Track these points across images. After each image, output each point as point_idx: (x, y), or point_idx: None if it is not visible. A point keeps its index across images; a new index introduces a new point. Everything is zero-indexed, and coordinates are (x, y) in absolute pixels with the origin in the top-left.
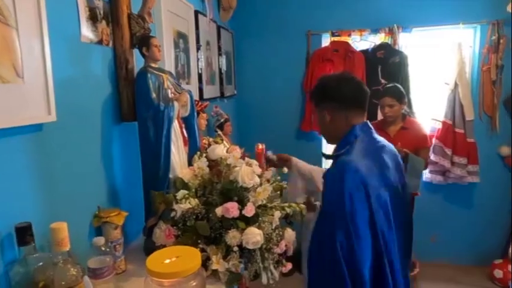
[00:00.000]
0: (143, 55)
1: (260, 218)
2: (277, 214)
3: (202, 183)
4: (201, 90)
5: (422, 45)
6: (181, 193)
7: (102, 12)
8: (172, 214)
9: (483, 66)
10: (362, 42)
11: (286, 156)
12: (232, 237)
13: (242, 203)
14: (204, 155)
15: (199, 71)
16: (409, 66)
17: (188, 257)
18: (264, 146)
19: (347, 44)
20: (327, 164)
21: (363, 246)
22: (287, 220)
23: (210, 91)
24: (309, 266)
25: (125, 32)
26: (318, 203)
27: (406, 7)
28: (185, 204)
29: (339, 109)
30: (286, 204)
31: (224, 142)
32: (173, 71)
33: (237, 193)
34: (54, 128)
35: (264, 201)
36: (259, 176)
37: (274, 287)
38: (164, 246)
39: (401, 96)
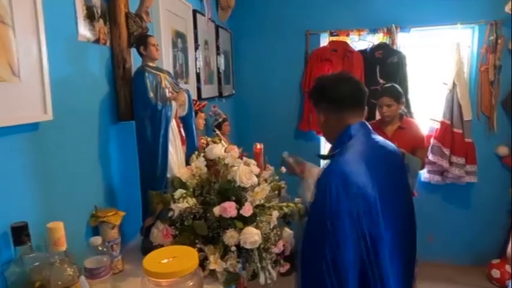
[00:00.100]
0: (141, 54)
1: (258, 218)
2: (275, 214)
3: (200, 182)
4: (199, 89)
5: (421, 45)
6: (179, 192)
7: (99, 11)
8: (170, 214)
9: (481, 66)
10: (360, 42)
11: (302, 160)
12: (230, 237)
13: (240, 203)
14: (202, 154)
15: (198, 71)
16: (408, 66)
17: (185, 257)
18: (262, 146)
19: (345, 43)
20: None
21: (347, 247)
22: (285, 220)
23: (208, 91)
24: (300, 265)
25: (122, 31)
26: None
27: (405, 7)
28: (183, 203)
29: (333, 109)
30: (284, 204)
31: (222, 142)
32: (171, 71)
33: (234, 193)
34: (50, 127)
35: (262, 201)
36: (257, 176)
37: (272, 287)
38: (162, 246)
39: (399, 96)
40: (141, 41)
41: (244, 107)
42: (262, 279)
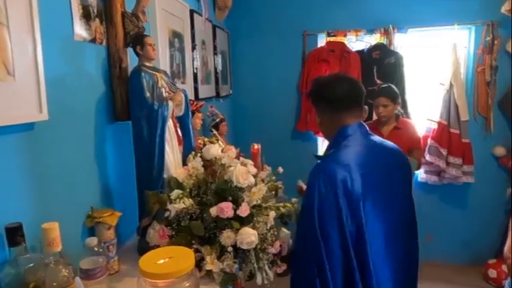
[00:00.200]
0: (137, 54)
1: (255, 218)
2: (272, 214)
3: (197, 183)
4: (196, 89)
5: (418, 45)
6: (176, 193)
7: (95, 10)
8: (167, 214)
9: (478, 67)
10: (358, 42)
11: None
12: (226, 237)
13: (237, 203)
14: (199, 154)
15: (195, 71)
16: (405, 66)
17: (181, 258)
18: (259, 146)
19: (343, 44)
20: None
21: (334, 246)
22: (282, 220)
23: (206, 91)
24: (291, 263)
25: (118, 31)
26: None
27: (402, 8)
28: (179, 204)
29: (330, 110)
30: (281, 204)
31: (219, 142)
32: (168, 70)
33: (231, 193)
34: (46, 127)
35: (259, 201)
36: (254, 176)
37: (269, 287)
38: (158, 246)
39: (396, 97)
40: (138, 40)
41: (242, 107)
42: (259, 279)
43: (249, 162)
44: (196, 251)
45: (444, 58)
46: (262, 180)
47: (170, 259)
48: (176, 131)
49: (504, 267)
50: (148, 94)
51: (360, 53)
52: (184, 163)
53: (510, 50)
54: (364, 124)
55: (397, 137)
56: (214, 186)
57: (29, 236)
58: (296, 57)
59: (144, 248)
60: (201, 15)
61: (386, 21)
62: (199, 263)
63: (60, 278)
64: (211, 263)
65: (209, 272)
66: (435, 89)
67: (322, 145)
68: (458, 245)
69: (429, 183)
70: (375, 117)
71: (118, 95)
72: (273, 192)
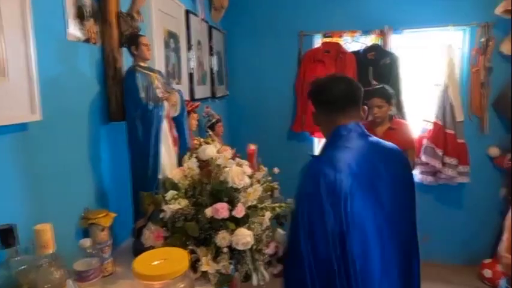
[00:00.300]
0: (132, 54)
1: (250, 219)
2: (268, 215)
3: (192, 183)
4: (192, 90)
5: (413, 46)
6: (171, 194)
7: (89, 10)
8: (162, 215)
9: (472, 67)
10: (353, 43)
11: None
12: (222, 238)
13: (232, 204)
14: (195, 155)
15: (191, 71)
16: (400, 67)
17: (176, 259)
18: (255, 147)
19: (338, 45)
20: None
21: (316, 247)
22: (278, 221)
23: (201, 91)
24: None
25: (113, 31)
26: None
27: (397, 9)
28: (174, 205)
29: (325, 111)
30: (277, 205)
31: (215, 143)
32: (163, 71)
33: (227, 194)
34: (39, 128)
35: (255, 202)
36: (250, 177)
37: None
38: (153, 247)
39: (390, 97)
40: (133, 40)
41: (238, 107)
42: (254, 280)
43: (245, 162)
44: (192, 252)
45: (439, 59)
46: (258, 181)
47: (164, 260)
48: (171, 132)
49: (499, 267)
50: (143, 94)
51: (356, 53)
52: (180, 164)
53: (505, 51)
54: (361, 125)
55: (391, 138)
56: (210, 187)
57: (22, 238)
58: (292, 58)
59: (139, 249)
60: (196, 15)
61: (382, 22)
62: (194, 264)
63: (52, 280)
64: (207, 264)
65: (204, 273)
66: (430, 90)
67: (318, 145)
68: (453, 244)
69: (425, 183)
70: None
71: (113, 96)
72: (269, 193)
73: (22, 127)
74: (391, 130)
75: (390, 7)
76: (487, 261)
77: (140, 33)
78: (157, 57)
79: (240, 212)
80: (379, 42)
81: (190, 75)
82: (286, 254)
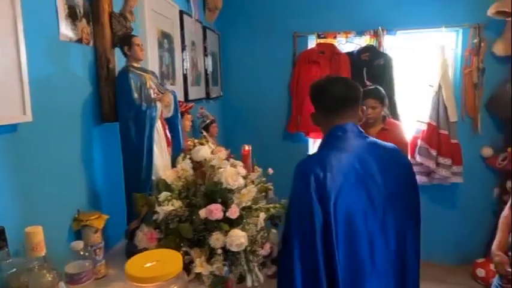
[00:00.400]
0: (125, 54)
1: (245, 220)
2: (262, 216)
3: (186, 184)
4: (186, 91)
5: (407, 47)
6: (164, 195)
7: (82, 10)
8: (155, 217)
9: (465, 68)
10: (347, 44)
11: None
12: (216, 239)
13: (226, 205)
14: (188, 156)
15: (185, 72)
16: (394, 68)
17: (169, 261)
18: (250, 148)
19: (333, 46)
20: None
21: (306, 244)
22: (272, 222)
23: (196, 92)
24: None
25: (106, 31)
26: None
27: (391, 10)
28: (168, 206)
29: (321, 112)
30: (271, 206)
31: (209, 143)
32: (157, 71)
33: (221, 195)
34: (30, 129)
35: (249, 203)
36: (244, 178)
37: None
38: (147, 249)
39: (383, 98)
40: (125, 41)
41: (232, 108)
42: (249, 282)
43: (239, 163)
44: (186, 253)
45: (433, 60)
46: (253, 182)
47: (157, 262)
48: (165, 133)
49: (492, 266)
50: (136, 95)
51: (350, 54)
52: (174, 165)
53: (497, 52)
54: (354, 124)
55: (384, 138)
56: (204, 188)
57: (13, 240)
58: (286, 58)
59: (132, 251)
60: (190, 16)
61: (376, 23)
62: (188, 266)
63: (44, 283)
64: (201, 266)
65: (198, 275)
66: (424, 91)
67: (313, 146)
68: (446, 244)
69: (419, 183)
70: None
71: (105, 96)
72: (263, 194)
73: (12, 128)
74: (384, 131)
75: (384, 8)
76: (480, 260)
77: (133, 33)
78: (150, 58)
79: (233, 213)
80: (373, 43)
81: (185, 76)
82: (280, 254)
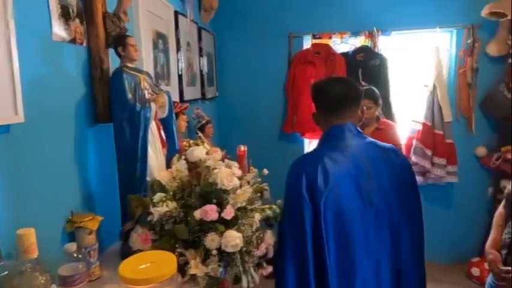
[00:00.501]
0: (119, 55)
1: (240, 221)
2: (258, 216)
3: (181, 185)
4: (181, 91)
5: (402, 48)
6: (158, 196)
7: (75, 10)
8: (150, 218)
9: (459, 69)
10: (343, 44)
11: None
12: (211, 240)
13: (221, 206)
14: (183, 157)
15: (180, 72)
16: (389, 68)
17: (163, 262)
18: (245, 148)
19: (328, 46)
20: None
21: (298, 239)
22: (267, 222)
23: (191, 92)
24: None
25: (99, 31)
26: None
27: (386, 11)
28: (162, 207)
29: (321, 112)
30: (267, 206)
31: (205, 144)
32: (152, 72)
33: (216, 195)
34: (22, 130)
35: (244, 204)
36: (240, 178)
37: None
38: (141, 251)
39: (378, 98)
40: (119, 41)
41: (228, 109)
42: (244, 283)
43: (234, 164)
44: (181, 255)
45: (427, 60)
46: (248, 182)
47: (152, 264)
48: (159, 133)
49: (487, 265)
50: (130, 95)
51: (345, 55)
52: (168, 166)
53: (490, 52)
54: (350, 125)
55: (378, 138)
56: (199, 188)
57: (4, 243)
58: (282, 59)
59: (127, 252)
60: (186, 16)
61: (371, 24)
62: (183, 267)
63: (36, 286)
64: (196, 267)
65: (193, 276)
66: (419, 91)
67: (309, 146)
68: (441, 243)
69: None
70: None
71: (99, 97)
72: (259, 194)
73: (4, 129)
74: (378, 131)
75: (379, 9)
76: (475, 259)
77: (127, 33)
78: (145, 59)
79: (228, 213)
80: (368, 43)
81: (180, 77)
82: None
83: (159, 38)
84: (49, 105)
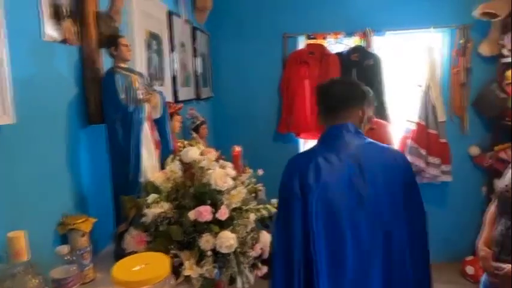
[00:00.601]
0: (111, 55)
1: (234, 221)
2: (252, 217)
3: (175, 186)
4: (175, 92)
5: (396, 48)
6: (152, 197)
7: (67, 10)
8: (143, 219)
9: (453, 68)
10: (337, 45)
11: None
12: (205, 241)
13: (216, 206)
14: (178, 158)
15: (174, 73)
16: (383, 68)
17: (157, 264)
18: (240, 149)
19: (322, 46)
20: None
21: (291, 235)
22: (263, 223)
23: (185, 93)
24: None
25: (91, 31)
26: None
27: (380, 11)
28: (156, 208)
29: (322, 112)
30: (262, 207)
31: (199, 145)
32: (145, 73)
33: (210, 196)
34: (12, 131)
35: (239, 204)
36: (234, 179)
37: None
38: (135, 252)
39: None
40: (112, 41)
41: (223, 109)
42: (239, 283)
43: (228, 164)
44: (175, 256)
45: (421, 60)
46: (243, 183)
47: (145, 266)
48: (153, 134)
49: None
50: (123, 96)
51: (339, 55)
52: (162, 167)
53: (483, 52)
54: (348, 125)
55: (372, 138)
56: (193, 189)
57: None
58: (276, 59)
59: (120, 254)
60: (179, 16)
61: (365, 24)
62: (178, 269)
63: None
64: (190, 268)
65: (188, 278)
66: (413, 90)
67: (304, 147)
68: (436, 242)
69: None
70: None
71: (92, 97)
72: (253, 195)
73: None
74: (371, 130)
75: (373, 9)
76: (469, 258)
77: (120, 34)
78: (138, 59)
79: (223, 214)
80: (362, 43)
81: (174, 77)
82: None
83: (153, 38)
84: (41, 106)
